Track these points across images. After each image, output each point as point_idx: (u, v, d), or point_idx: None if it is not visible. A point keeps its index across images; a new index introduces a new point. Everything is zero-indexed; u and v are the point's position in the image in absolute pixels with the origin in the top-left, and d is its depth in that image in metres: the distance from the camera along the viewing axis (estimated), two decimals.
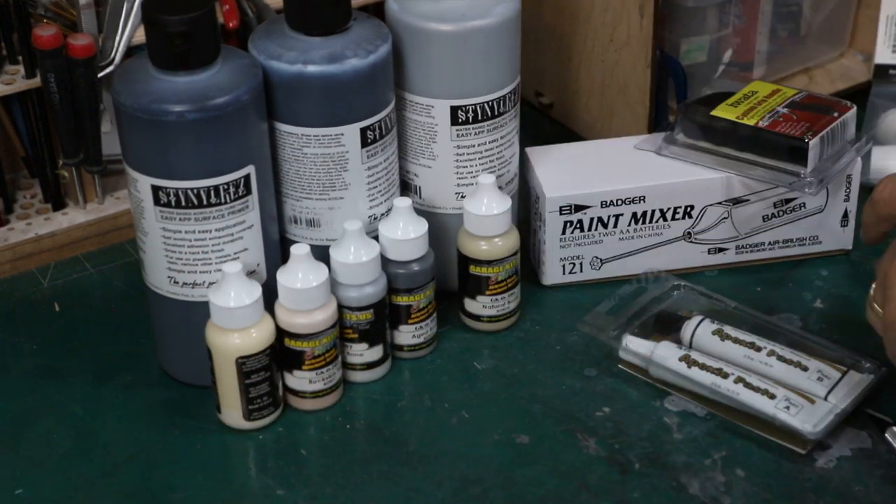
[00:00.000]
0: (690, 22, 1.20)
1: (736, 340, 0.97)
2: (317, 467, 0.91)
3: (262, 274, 0.95)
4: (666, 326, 0.99)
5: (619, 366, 0.98)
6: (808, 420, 0.90)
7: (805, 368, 0.94)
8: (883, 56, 1.27)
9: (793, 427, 0.90)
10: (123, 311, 1.06)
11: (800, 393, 0.92)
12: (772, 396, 0.92)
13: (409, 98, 0.99)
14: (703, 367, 0.94)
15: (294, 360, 0.94)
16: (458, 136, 1.00)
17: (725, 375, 0.93)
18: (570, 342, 1.01)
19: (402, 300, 0.98)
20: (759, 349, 0.96)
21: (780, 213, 1.06)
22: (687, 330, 0.98)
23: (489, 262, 1.00)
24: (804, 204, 1.06)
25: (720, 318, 0.99)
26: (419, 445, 0.93)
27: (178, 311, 0.94)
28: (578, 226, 1.04)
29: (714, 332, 0.97)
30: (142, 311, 1.02)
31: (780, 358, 0.95)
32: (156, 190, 0.90)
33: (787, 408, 0.91)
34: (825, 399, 0.92)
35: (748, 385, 0.93)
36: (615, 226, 1.04)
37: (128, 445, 0.93)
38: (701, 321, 0.98)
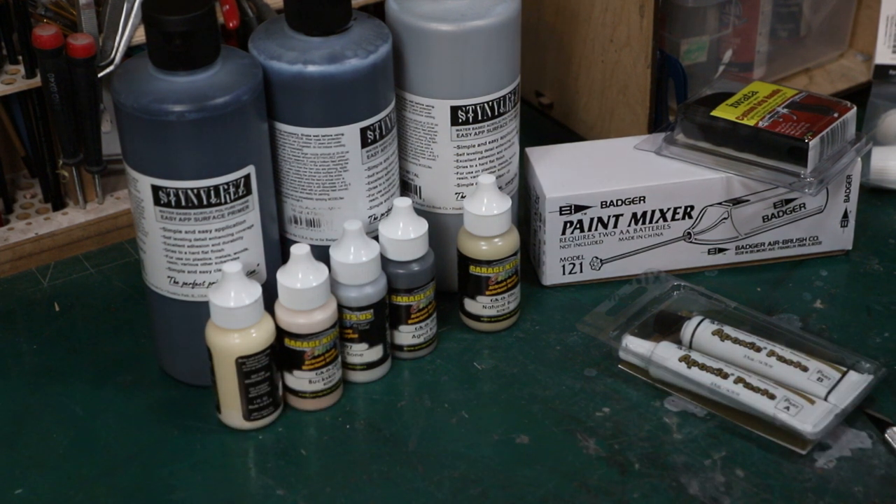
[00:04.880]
0: (690, 22, 1.20)
1: (736, 341, 0.97)
2: (316, 467, 0.91)
3: (262, 274, 0.95)
4: (665, 327, 0.99)
5: (619, 366, 0.98)
6: (807, 420, 0.90)
7: (805, 369, 0.94)
8: (883, 56, 1.27)
9: (793, 427, 0.90)
10: (123, 311, 1.06)
11: (800, 393, 0.92)
12: (772, 397, 0.92)
13: (409, 98, 0.99)
14: (702, 367, 0.94)
15: (294, 360, 0.94)
16: (458, 136, 1.00)
17: (725, 376, 0.93)
18: (570, 342, 1.01)
19: (401, 300, 0.98)
20: (758, 349, 0.96)
21: (780, 214, 1.06)
22: (687, 330, 0.98)
23: (489, 263, 1.00)
24: (804, 204, 1.06)
25: (720, 318, 0.99)
26: (419, 445, 0.93)
27: (178, 311, 0.94)
28: (578, 226, 1.04)
29: (714, 333, 0.97)
30: (142, 311, 1.03)
31: (780, 358, 0.95)
32: (156, 190, 0.90)
33: (787, 408, 0.91)
34: (825, 399, 0.92)
35: (748, 385, 0.93)
36: (615, 226, 1.04)
37: (128, 445, 0.93)
38: (700, 321, 0.98)
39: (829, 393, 0.93)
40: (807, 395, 0.92)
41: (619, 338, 0.98)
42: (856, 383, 0.94)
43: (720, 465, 0.90)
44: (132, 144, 0.90)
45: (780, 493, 0.88)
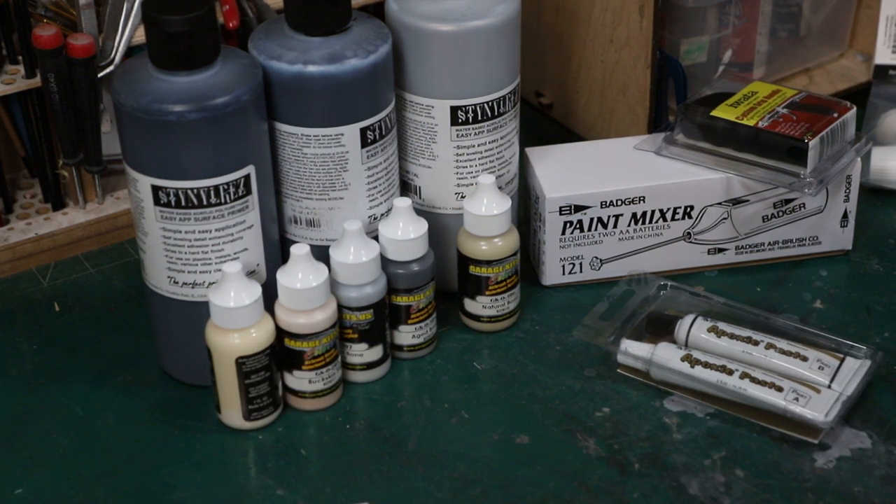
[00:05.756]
0: (690, 22, 1.20)
1: (732, 336, 0.97)
2: (316, 467, 0.91)
3: (262, 274, 0.95)
4: (658, 328, 0.99)
5: (618, 370, 0.98)
6: (819, 409, 0.91)
7: (805, 359, 0.95)
8: (883, 56, 1.27)
9: (806, 418, 0.90)
10: (123, 311, 1.06)
11: (804, 383, 0.93)
12: (779, 389, 0.92)
13: (409, 98, 0.99)
14: (706, 365, 0.94)
15: (294, 360, 0.94)
16: (458, 136, 1.00)
17: (730, 372, 0.93)
18: (570, 342, 1.01)
19: (401, 300, 0.98)
20: (756, 343, 0.96)
21: (780, 214, 1.06)
22: (681, 329, 0.98)
23: (489, 263, 1.00)
24: (804, 204, 1.06)
25: (710, 315, 0.99)
26: (419, 445, 0.93)
27: (178, 311, 0.94)
28: (578, 226, 1.04)
29: (709, 330, 0.97)
30: (142, 311, 1.03)
31: (779, 350, 0.95)
32: (156, 190, 0.90)
33: (797, 399, 0.91)
34: (829, 387, 0.93)
35: (754, 380, 0.93)
36: (615, 226, 1.04)
37: (128, 445, 0.93)
38: (694, 320, 0.98)
39: (831, 380, 0.93)
40: (811, 384, 0.93)
41: (616, 342, 0.98)
42: (856, 369, 0.94)
43: (720, 465, 0.90)
44: (132, 144, 0.90)
45: (780, 493, 0.88)
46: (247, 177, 0.91)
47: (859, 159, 1.06)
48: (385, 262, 0.97)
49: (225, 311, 0.90)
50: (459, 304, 1.03)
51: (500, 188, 1.01)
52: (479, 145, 1.00)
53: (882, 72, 1.27)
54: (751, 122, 1.03)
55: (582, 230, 1.04)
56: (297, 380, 0.94)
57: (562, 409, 0.95)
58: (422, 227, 0.97)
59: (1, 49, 1.07)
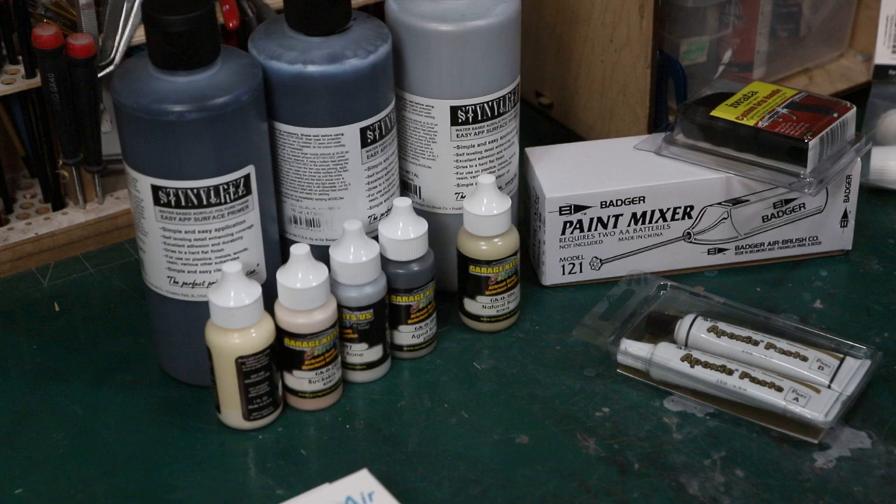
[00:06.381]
0: (690, 22, 1.20)
1: (732, 336, 0.97)
2: (316, 467, 0.91)
3: (262, 274, 0.95)
4: (658, 328, 0.99)
5: (618, 370, 0.98)
6: (818, 409, 0.91)
7: (805, 359, 0.95)
8: (883, 56, 1.27)
9: (806, 418, 0.90)
10: (123, 311, 1.06)
11: (804, 383, 0.93)
12: (779, 389, 0.92)
13: (409, 98, 0.99)
14: (706, 365, 0.94)
15: (294, 360, 0.94)
16: (458, 136, 1.00)
17: (730, 372, 0.93)
18: (570, 342, 1.01)
19: (401, 300, 0.98)
20: (756, 343, 0.96)
21: (780, 214, 1.06)
22: (681, 329, 0.98)
23: (489, 263, 1.00)
24: (804, 204, 1.06)
25: (711, 315, 0.99)
26: (419, 445, 0.93)
27: (178, 311, 0.95)
28: (578, 226, 1.04)
29: (709, 330, 0.97)
30: (142, 311, 1.03)
31: (779, 350, 0.95)
32: (156, 190, 0.90)
33: (796, 399, 0.91)
34: (829, 387, 0.93)
35: (754, 380, 0.93)
36: (615, 226, 1.04)
37: (128, 445, 0.93)
38: (694, 319, 0.98)
39: (831, 380, 0.93)
40: (811, 384, 0.93)
41: (616, 342, 0.98)
42: (856, 369, 0.94)
43: (720, 465, 0.90)
44: (132, 144, 0.90)
45: (780, 493, 0.88)
46: (247, 177, 0.91)
47: (859, 159, 1.06)
48: (385, 262, 0.97)
49: (225, 311, 0.90)
50: (459, 304, 1.03)
51: (500, 188, 1.01)
52: (479, 145, 1.00)
53: (882, 72, 1.27)
54: (751, 122, 1.03)
55: (582, 230, 1.04)
56: (297, 380, 0.94)
57: (562, 409, 0.95)
58: (422, 227, 0.97)
59: (1, 49, 1.07)
